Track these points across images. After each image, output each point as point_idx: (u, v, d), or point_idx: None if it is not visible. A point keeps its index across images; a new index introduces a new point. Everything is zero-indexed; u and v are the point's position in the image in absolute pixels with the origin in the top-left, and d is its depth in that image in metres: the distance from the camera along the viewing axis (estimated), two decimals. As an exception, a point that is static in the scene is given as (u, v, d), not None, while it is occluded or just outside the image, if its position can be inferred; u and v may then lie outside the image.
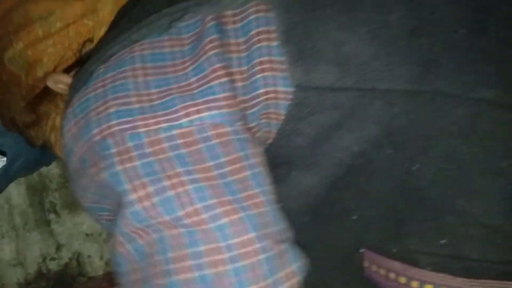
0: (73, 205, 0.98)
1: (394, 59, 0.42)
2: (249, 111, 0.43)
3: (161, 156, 0.40)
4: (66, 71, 0.55)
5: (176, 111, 0.41)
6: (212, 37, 0.43)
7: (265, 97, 0.43)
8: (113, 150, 0.40)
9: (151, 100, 0.42)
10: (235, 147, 0.41)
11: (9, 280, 0.95)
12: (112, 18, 0.53)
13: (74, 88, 0.47)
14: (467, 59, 0.41)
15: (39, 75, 0.54)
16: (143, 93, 0.42)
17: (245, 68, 0.43)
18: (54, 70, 0.54)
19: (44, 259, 0.97)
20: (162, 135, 0.40)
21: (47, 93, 0.55)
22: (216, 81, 0.41)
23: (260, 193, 0.41)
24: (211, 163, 0.40)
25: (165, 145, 0.40)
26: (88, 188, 0.44)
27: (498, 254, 0.41)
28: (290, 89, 0.43)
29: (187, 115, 0.41)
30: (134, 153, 0.40)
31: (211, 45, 0.42)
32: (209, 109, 0.41)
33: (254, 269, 0.39)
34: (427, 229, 0.42)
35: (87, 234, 0.98)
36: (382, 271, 0.44)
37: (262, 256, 0.39)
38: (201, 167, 0.40)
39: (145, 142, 0.40)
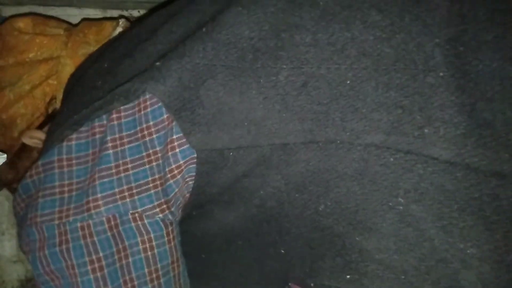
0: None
1: (285, 116, 0.44)
2: (165, 184, 0.48)
3: (63, 247, 0.46)
4: (39, 127, 0.62)
5: (82, 205, 0.47)
6: (111, 137, 0.48)
7: (175, 172, 0.48)
8: (36, 237, 0.47)
9: (70, 191, 0.48)
10: (124, 236, 0.47)
11: (10, 277, 0.97)
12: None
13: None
14: (353, 108, 0.44)
15: (14, 135, 0.62)
16: (65, 183, 0.48)
17: (159, 148, 0.48)
18: (28, 129, 0.62)
19: (44, 257, 0.98)
20: (67, 227, 0.46)
21: (24, 150, 0.62)
22: (108, 178, 0.47)
23: (137, 277, 0.47)
24: (101, 254, 0.47)
25: (68, 236, 0.46)
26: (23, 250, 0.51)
27: None
28: (193, 155, 0.47)
29: (88, 209, 0.46)
30: (46, 242, 0.47)
31: (108, 144, 0.48)
32: (105, 203, 0.47)
33: None
34: (336, 265, 0.46)
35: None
36: None
37: None
38: (94, 258, 0.46)
39: (56, 233, 0.47)
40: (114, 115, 0.48)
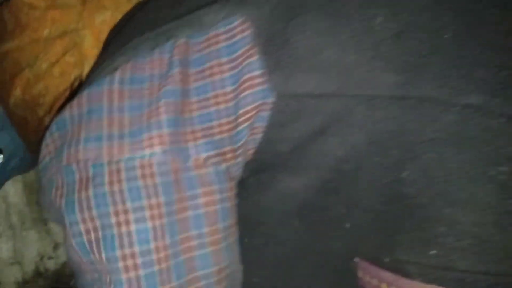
0: (70, 204, 0.97)
1: (377, 64, 0.41)
2: (233, 131, 0.43)
3: (115, 188, 0.40)
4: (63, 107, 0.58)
5: (141, 141, 0.41)
6: (179, 69, 0.43)
7: (249, 115, 0.43)
8: (76, 177, 0.41)
9: (121, 126, 0.42)
10: (186, 185, 0.42)
11: (7, 279, 0.95)
12: (96, 52, 0.56)
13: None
14: (453, 64, 0.40)
15: (40, 114, 0.58)
16: (115, 117, 0.42)
17: (230, 88, 0.43)
18: (51, 110, 0.58)
19: (42, 258, 0.97)
20: (122, 165, 0.41)
21: None
22: (175, 115, 0.42)
23: (196, 236, 0.42)
24: (162, 199, 0.41)
25: (122, 175, 0.41)
26: (50, 208, 0.44)
27: (489, 265, 0.41)
28: (270, 100, 0.42)
29: (150, 146, 0.41)
30: (91, 183, 0.40)
31: (176, 78, 0.43)
32: (172, 142, 0.41)
33: None
34: (417, 239, 0.41)
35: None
36: (374, 282, 0.44)
37: None
38: (153, 202, 0.41)
39: (105, 172, 0.41)
40: (182, 47, 0.44)
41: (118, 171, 0.40)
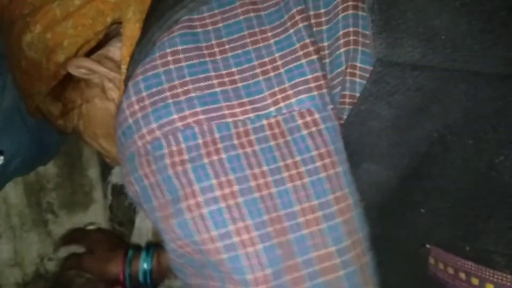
0: (70, 205, 0.97)
1: (489, 37, 0.38)
2: (332, 91, 0.40)
3: (247, 150, 0.37)
4: (89, 54, 0.51)
5: (263, 99, 0.38)
6: (302, 6, 0.39)
7: (344, 76, 0.40)
8: (199, 141, 0.37)
9: (233, 82, 0.38)
10: (325, 139, 0.38)
11: (7, 281, 0.95)
12: None
13: (134, 60, 0.43)
14: None
15: (60, 60, 0.50)
16: (223, 73, 0.38)
17: (328, 42, 0.40)
18: (76, 54, 0.50)
19: (42, 260, 0.97)
20: (250, 126, 0.37)
21: (70, 80, 0.52)
22: (305, 59, 0.38)
23: (349, 194, 0.38)
24: (299, 158, 0.37)
25: (253, 137, 0.37)
26: (146, 178, 0.39)
27: None
28: (369, 66, 0.39)
29: (275, 103, 0.38)
30: (221, 145, 0.37)
31: (299, 16, 0.39)
32: (297, 93, 0.38)
33: (333, 287, 0.37)
34: (508, 229, 0.38)
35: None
36: (450, 270, 0.42)
37: (341, 273, 0.37)
38: (289, 163, 0.37)
39: (233, 133, 0.37)
40: None
41: (247, 132, 0.37)
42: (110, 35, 0.52)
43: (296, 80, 0.38)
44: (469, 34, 0.38)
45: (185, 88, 0.38)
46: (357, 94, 0.40)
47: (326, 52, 0.40)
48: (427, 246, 0.43)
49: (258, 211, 0.36)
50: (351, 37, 0.40)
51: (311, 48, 0.39)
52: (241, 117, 0.38)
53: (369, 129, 0.41)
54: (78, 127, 0.56)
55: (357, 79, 0.40)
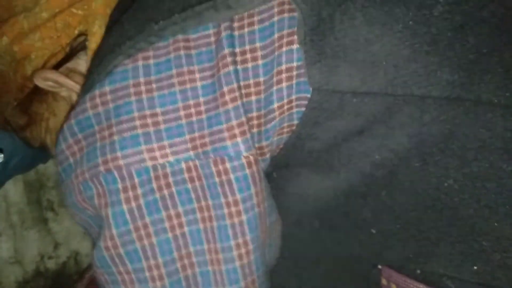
0: (71, 203, 0.97)
1: (433, 60, 0.36)
2: (263, 128, 0.40)
3: (165, 192, 0.39)
4: (57, 67, 0.51)
5: (183, 142, 0.38)
6: (224, 51, 0.39)
7: (280, 111, 0.40)
8: (119, 186, 0.39)
9: (155, 124, 0.39)
10: (233, 188, 0.39)
11: (7, 279, 0.95)
12: (108, 11, 0.49)
13: (84, 90, 0.43)
14: None
15: (27, 72, 0.50)
16: (147, 113, 0.39)
17: (262, 79, 0.39)
18: (43, 67, 0.50)
19: (42, 258, 0.96)
20: (168, 169, 0.38)
21: (37, 92, 0.51)
22: (222, 108, 0.38)
23: (250, 240, 0.40)
24: (210, 202, 0.39)
25: (171, 180, 0.39)
26: (84, 212, 0.42)
27: None
28: (307, 95, 0.39)
29: (194, 148, 0.38)
30: (140, 190, 0.38)
31: (222, 62, 0.39)
32: (212, 142, 0.39)
33: None
34: (457, 252, 0.38)
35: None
36: None
37: None
38: (202, 205, 0.39)
39: (152, 176, 0.38)
40: (210, 31, 0.39)
41: (165, 175, 0.38)
42: (78, 48, 0.52)
43: (213, 129, 0.39)
44: (412, 58, 0.37)
45: (109, 131, 0.39)
46: (295, 122, 0.41)
47: (262, 87, 0.40)
48: (379, 267, 0.43)
49: (169, 250, 0.39)
50: (283, 75, 0.40)
51: (227, 97, 0.39)
52: (160, 161, 0.38)
53: (309, 149, 0.41)
54: (45, 140, 0.56)
55: (294, 110, 0.40)
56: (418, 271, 0.40)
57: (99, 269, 0.41)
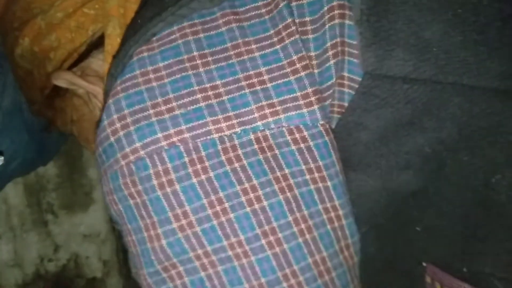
0: (70, 206, 0.97)
1: (483, 49, 0.36)
2: (324, 103, 0.38)
3: (235, 165, 0.36)
4: (73, 66, 0.52)
5: (250, 112, 0.37)
6: (288, 21, 0.38)
7: (334, 87, 0.38)
8: (186, 159, 0.36)
9: (218, 95, 0.37)
10: (314, 155, 0.37)
11: (7, 281, 0.95)
12: (121, 11, 0.49)
13: (111, 74, 0.42)
14: None
15: (49, 71, 0.51)
16: (207, 86, 0.37)
17: (316, 52, 0.38)
18: (61, 66, 0.51)
19: (42, 260, 0.97)
20: (237, 141, 0.37)
21: (59, 89, 0.52)
22: (293, 77, 0.37)
23: (339, 205, 0.38)
24: (287, 171, 0.37)
25: (240, 152, 0.36)
26: (125, 200, 0.38)
27: None
28: (357, 77, 0.38)
29: (262, 117, 0.37)
30: (207, 163, 0.36)
31: (287, 31, 0.38)
32: (286, 110, 0.37)
33: (327, 285, 0.37)
34: (505, 252, 0.37)
35: (85, 235, 0.97)
36: None
37: (334, 274, 0.37)
38: (278, 175, 0.37)
39: (219, 149, 0.36)
40: (260, 3, 0.39)
41: (234, 147, 0.36)
42: (91, 47, 0.52)
43: (285, 97, 0.37)
44: (463, 46, 0.36)
45: (169, 105, 0.37)
46: (345, 104, 0.39)
47: (314, 62, 0.38)
48: (424, 264, 0.41)
49: (250, 225, 0.36)
50: (339, 48, 0.38)
51: (298, 65, 0.38)
52: (227, 132, 0.37)
53: (356, 140, 0.39)
54: (73, 132, 0.58)
55: (346, 89, 0.39)
56: (465, 270, 0.39)
57: (170, 259, 0.37)
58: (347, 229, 0.39)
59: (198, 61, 0.38)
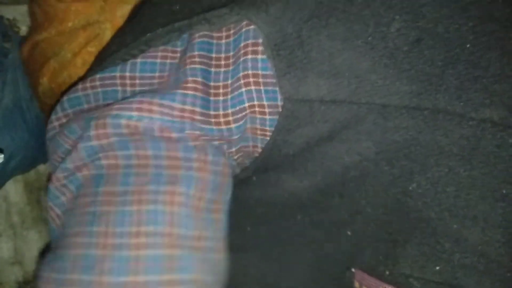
0: (71, 203, 0.97)
1: (391, 72, 0.39)
2: (231, 126, 0.43)
3: (103, 141, 0.42)
4: None
5: (130, 103, 0.42)
6: (198, 52, 0.43)
7: (249, 111, 0.43)
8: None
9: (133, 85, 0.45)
10: (178, 148, 0.42)
11: (8, 279, 0.95)
12: None
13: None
14: (472, 76, 0.38)
15: None
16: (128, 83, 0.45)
17: (228, 82, 0.43)
18: None
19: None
20: (109, 120, 0.42)
21: None
22: (181, 91, 0.42)
23: (180, 193, 0.41)
24: (150, 152, 0.41)
25: (110, 130, 0.42)
26: (60, 146, 0.46)
27: (495, 285, 0.39)
28: (279, 103, 0.42)
29: (139, 110, 0.42)
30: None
31: (189, 60, 0.43)
32: (161, 113, 0.42)
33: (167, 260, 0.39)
34: (421, 254, 0.40)
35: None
36: None
37: (149, 252, 0.39)
38: (140, 154, 0.41)
39: (92, 124, 0.42)
40: (205, 37, 0.44)
41: (104, 125, 0.42)
42: None
43: (163, 102, 0.42)
44: (372, 71, 0.39)
45: (105, 112, 0.43)
46: (268, 128, 0.43)
47: (227, 90, 0.43)
48: (352, 270, 0.43)
49: (98, 184, 0.42)
50: (251, 79, 0.42)
51: (189, 85, 0.43)
52: (104, 113, 0.42)
53: (284, 154, 0.44)
54: None
55: (267, 116, 0.43)
56: (387, 273, 0.41)
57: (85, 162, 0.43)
58: (178, 216, 0.41)
59: (127, 81, 0.45)
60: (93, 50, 0.59)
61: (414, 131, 0.39)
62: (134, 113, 0.42)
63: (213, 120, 0.43)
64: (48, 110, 0.64)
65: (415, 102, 0.39)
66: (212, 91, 0.43)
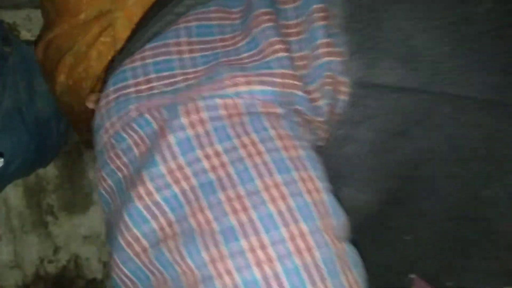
0: (70, 207, 0.97)
1: (473, 60, 0.35)
2: (314, 104, 0.37)
3: (198, 129, 0.34)
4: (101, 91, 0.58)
5: (221, 80, 0.35)
6: (265, 9, 0.37)
7: (328, 81, 0.37)
8: (155, 128, 0.36)
9: (197, 78, 0.37)
10: (285, 125, 0.35)
11: (7, 282, 0.95)
12: (127, 34, 0.53)
13: (111, 67, 0.44)
14: None
15: (83, 100, 0.57)
16: (189, 71, 0.37)
17: (304, 52, 0.38)
18: (93, 91, 0.58)
19: (42, 262, 0.96)
20: (201, 103, 0.35)
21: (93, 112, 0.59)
22: (273, 56, 0.36)
23: (316, 177, 0.34)
24: (256, 135, 0.34)
25: (205, 115, 0.35)
26: (114, 174, 0.38)
27: None
28: (347, 86, 0.37)
29: (235, 85, 0.35)
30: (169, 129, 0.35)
31: (264, 17, 0.37)
32: (262, 83, 0.35)
33: (308, 269, 0.31)
34: (491, 269, 0.36)
35: (85, 236, 0.97)
36: None
37: (317, 253, 0.32)
38: (245, 141, 0.34)
39: (180, 110, 0.35)
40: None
41: (197, 110, 0.35)
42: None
43: (261, 71, 0.36)
44: (451, 56, 0.35)
45: (149, 85, 0.38)
46: (338, 110, 0.38)
47: (304, 62, 0.38)
48: (411, 276, 0.40)
49: (213, 191, 0.34)
50: (328, 48, 0.37)
51: (278, 46, 0.37)
52: (194, 96, 0.36)
53: (347, 154, 0.38)
54: None
55: (339, 95, 0.38)
56: (449, 284, 0.38)
57: (165, 214, 0.34)
58: (329, 205, 0.34)
59: (184, 47, 0.38)
60: (107, 40, 0.55)
61: (494, 130, 0.34)
62: (230, 90, 0.35)
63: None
64: (68, 111, 0.62)
65: (497, 96, 0.34)
66: (293, 56, 0.37)
